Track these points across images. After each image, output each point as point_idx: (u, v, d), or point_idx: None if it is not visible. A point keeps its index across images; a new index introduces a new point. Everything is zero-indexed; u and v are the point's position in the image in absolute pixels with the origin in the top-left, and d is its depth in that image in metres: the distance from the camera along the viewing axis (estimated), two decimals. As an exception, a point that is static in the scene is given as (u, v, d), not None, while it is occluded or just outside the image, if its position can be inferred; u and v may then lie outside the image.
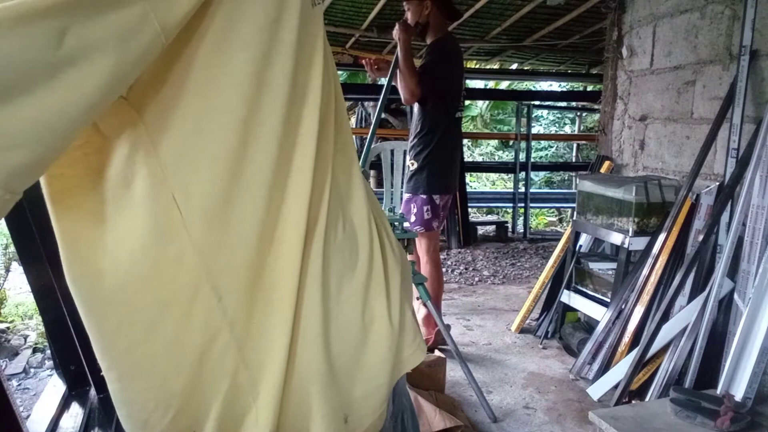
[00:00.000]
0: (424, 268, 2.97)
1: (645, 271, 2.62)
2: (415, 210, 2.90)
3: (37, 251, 2.13)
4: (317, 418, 0.61)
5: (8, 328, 3.21)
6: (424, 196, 2.89)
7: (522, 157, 6.58)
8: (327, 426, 0.61)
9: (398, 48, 2.75)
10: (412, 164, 2.90)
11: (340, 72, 6.39)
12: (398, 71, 2.78)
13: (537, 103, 7.41)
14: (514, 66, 6.96)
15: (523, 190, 6.54)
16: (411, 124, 3.11)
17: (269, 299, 0.57)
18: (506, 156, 10.13)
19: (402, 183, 4.10)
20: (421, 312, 2.91)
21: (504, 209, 7.86)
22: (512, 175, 6.87)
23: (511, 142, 8.73)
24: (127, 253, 0.53)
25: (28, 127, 0.40)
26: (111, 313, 0.55)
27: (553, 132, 11.02)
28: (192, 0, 0.46)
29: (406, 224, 2.89)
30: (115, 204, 0.52)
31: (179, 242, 0.53)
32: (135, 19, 0.42)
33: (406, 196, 2.96)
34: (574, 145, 9.57)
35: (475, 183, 9.73)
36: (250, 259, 0.55)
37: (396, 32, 2.77)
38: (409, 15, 2.84)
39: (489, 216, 8.02)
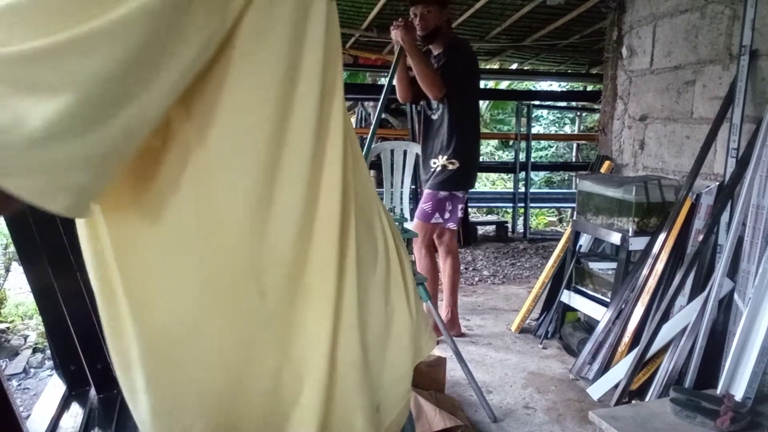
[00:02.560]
0: (453, 262, 3.17)
1: (645, 271, 2.62)
2: (450, 207, 3.05)
3: (37, 251, 2.13)
4: (357, 410, 0.62)
5: (8, 328, 3.21)
6: (461, 194, 3.08)
7: (522, 157, 6.58)
8: (365, 416, 0.62)
9: (405, 48, 2.77)
10: (452, 164, 2.98)
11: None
12: (412, 71, 2.86)
13: (537, 103, 7.41)
14: (514, 66, 6.96)
15: (523, 190, 6.54)
16: (414, 123, 3.17)
17: (308, 294, 0.57)
18: (506, 156, 10.12)
19: (402, 182, 4.11)
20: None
21: (504, 209, 7.85)
22: (512, 175, 6.87)
23: (511, 142, 8.72)
24: (172, 249, 0.53)
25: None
26: (154, 309, 0.54)
27: (553, 132, 11.02)
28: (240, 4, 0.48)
29: (437, 221, 3.06)
30: (161, 200, 0.51)
31: (224, 236, 0.52)
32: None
33: (442, 194, 3.03)
34: (574, 145, 9.57)
35: (476, 183, 9.72)
36: (290, 253, 0.55)
37: (398, 34, 2.77)
38: (419, 20, 2.86)
39: (489, 216, 8.01)
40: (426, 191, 3.08)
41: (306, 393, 0.59)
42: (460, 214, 3.09)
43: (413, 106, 5.26)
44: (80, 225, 0.56)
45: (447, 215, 3.04)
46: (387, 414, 0.67)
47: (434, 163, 3.04)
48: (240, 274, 0.54)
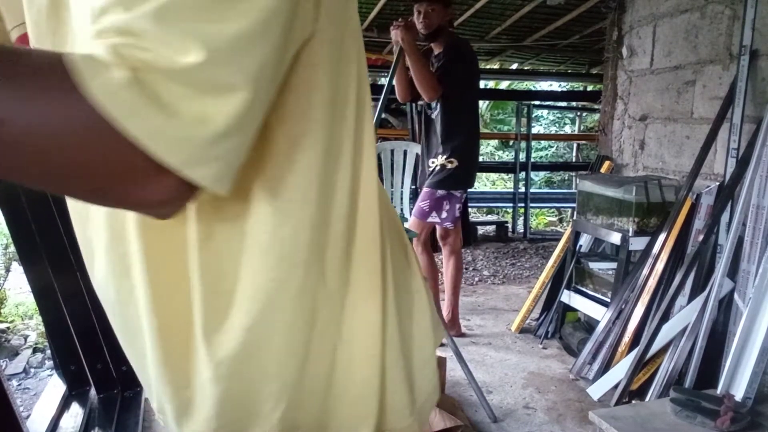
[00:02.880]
0: (456, 263, 3.16)
1: (645, 271, 2.62)
2: (447, 207, 3.04)
3: (37, 251, 2.13)
4: (402, 387, 0.64)
5: (8, 328, 3.21)
6: (459, 194, 3.06)
7: (522, 157, 6.57)
8: (407, 395, 0.64)
9: (404, 48, 2.77)
10: (451, 163, 2.98)
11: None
12: (410, 71, 2.85)
13: (537, 103, 7.39)
14: (514, 66, 6.96)
15: (523, 190, 6.54)
16: (414, 123, 3.18)
17: (357, 271, 0.59)
18: (506, 156, 10.10)
19: (402, 182, 4.11)
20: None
21: (504, 209, 7.84)
22: (512, 175, 6.86)
23: (511, 142, 8.71)
24: (253, 230, 0.53)
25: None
26: (229, 290, 0.55)
27: (553, 132, 11.01)
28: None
29: (434, 220, 3.07)
30: (248, 184, 0.52)
31: (297, 217, 0.54)
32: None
33: (439, 192, 3.03)
34: (574, 145, 9.55)
35: (475, 183, 9.71)
36: (343, 229, 0.57)
37: (398, 34, 2.78)
38: (423, 18, 2.85)
39: (489, 216, 8.00)
40: (424, 189, 3.09)
41: (361, 372, 0.60)
42: (457, 213, 3.07)
43: (413, 105, 5.27)
44: (138, 221, 0.54)
45: (444, 214, 3.03)
46: (419, 394, 0.68)
47: (433, 162, 3.05)
48: (310, 251, 0.55)
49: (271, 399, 0.57)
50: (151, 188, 0.40)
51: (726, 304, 2.33)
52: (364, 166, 0.59)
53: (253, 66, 0.40)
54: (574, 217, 3.25)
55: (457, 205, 3.06)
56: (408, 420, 0.65)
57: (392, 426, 0.64)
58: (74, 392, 2.30)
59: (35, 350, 2.99)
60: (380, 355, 0.61)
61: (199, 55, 0.37)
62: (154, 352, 0.57)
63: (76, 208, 0.61)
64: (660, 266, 2.57)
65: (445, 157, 2.98)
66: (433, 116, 3.04)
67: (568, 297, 3.10)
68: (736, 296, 2.28)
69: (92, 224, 0.58)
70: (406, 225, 3.08)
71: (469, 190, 3.30)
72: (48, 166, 0.37)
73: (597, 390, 2.49)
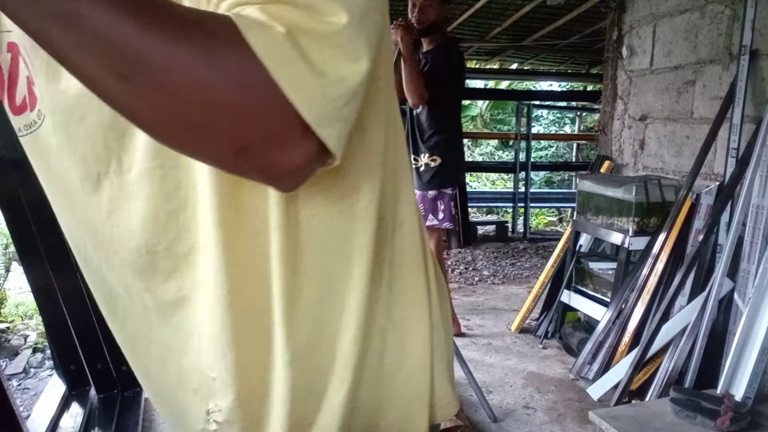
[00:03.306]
0: (441, 264, 3.08)
1: (645, 271, 2.62)
2: (442, 207, 3.01)
3: (37, 251, 2.14)
4: (442, 364, 0.66)
5: (8, 328, 3.21)
6: (451, 191, 3.02)
7: (522, 156, 6.57)
8: (444, 372, 0.66)
9: (401, 49, 2.76)
10: (434, 161, 2.96)
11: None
12: (403, 72, 2.82)
13: (537, 102, 7.39)
14: (514, 66, 6.97)
15: (523, 189, 6.54)
16: (409, 123, 3.15)
17: (404, 256, 0.61)
18: (506, 156, 10.09)
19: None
20: None
21: (504, 209, 7.84)
22: (512, 175, 6.86)
23: (511, 142, 8.71)
24: (336, 217, 0.55)
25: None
26: (306, 270, 0.55)
27: (553, 132, 11.01)
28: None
29: (432, 223, 3.01)
30: (340, 172, 0.54)
31: (367, 192, 0.56)
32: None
33: (431, 193, 3.00)
34: (574, 145, 9.55)
35: (475, 183, 9.70)
36: (392, 210, 0.60)
37: (397, 33, 2.76)
38: (418, 12, 2.81)
39: (489, 216, 8.00)
40: (415, 194, 3.06)
41: (412, 352, 0.62)
42: (453, 212, 3.03)
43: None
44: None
45: (441, 215, 3.00)
46: (453, 372, 0.70)
47: (415, 160, 3.04)
48: (373, 227, 0.56)
49: (337, 377, 0.58)
50: (293, 151, 0.41)
51: (726, 304, 2.33)
52: (400, 149, 0.61)
53: (374, 32, 0.44)
54: (574, 217, 3.25)
55: (451, 203, 3.02)
56: (450, 395, 0.67)
57: (440, 402, 0.66)
58: (74, 392, 2.30)
59: (35, 350, 2.99)
60: (429, 336, 0.63)
61: (342, 18, 0.40)
62: (226, 351, 0.55)
63: (84, 238, 0.61)
64: (660, 266, 2.57)
65: (428, 155, 2.97)
66: (417, 112, 3.02)
67: (568, 297, 3.10)
68: (736, 296, 2.28)
69: (128, 244, 0.56)
70: None
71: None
72: (204, 112, 0.39)
73: (597, 390, 2.49)
